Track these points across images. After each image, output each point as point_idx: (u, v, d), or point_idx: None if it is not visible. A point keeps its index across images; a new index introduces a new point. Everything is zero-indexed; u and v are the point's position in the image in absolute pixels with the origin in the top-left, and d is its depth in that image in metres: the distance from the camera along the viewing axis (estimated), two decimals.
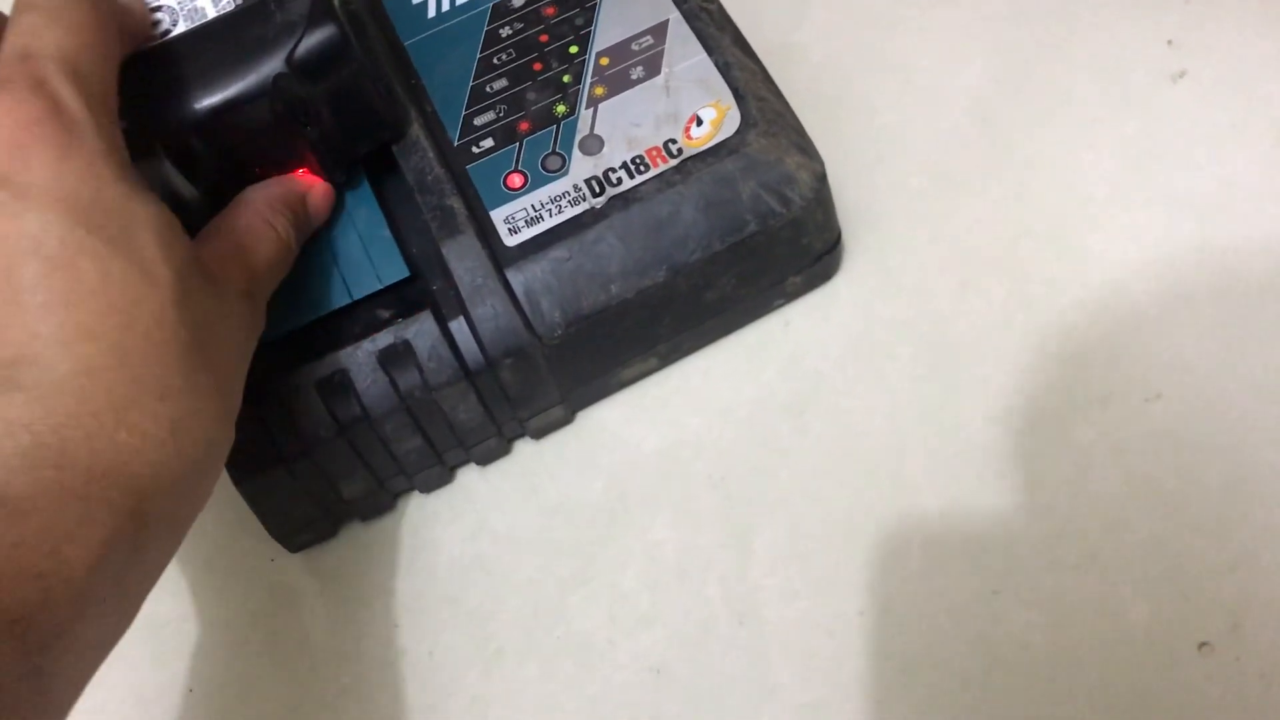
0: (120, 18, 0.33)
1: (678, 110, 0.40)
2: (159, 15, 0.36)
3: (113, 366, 0.28)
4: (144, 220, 0.29)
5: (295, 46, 0.35)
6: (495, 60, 0.42)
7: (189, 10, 0.36)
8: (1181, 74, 0.46)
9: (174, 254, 0.29)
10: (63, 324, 0.27)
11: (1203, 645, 0.36)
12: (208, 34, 0.36)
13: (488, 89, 0.41)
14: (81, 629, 0.27)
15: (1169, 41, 0.46)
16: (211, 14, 0.36)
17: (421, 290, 0.39)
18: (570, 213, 0.39)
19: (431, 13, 0.43)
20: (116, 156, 0.29)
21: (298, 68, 0.35)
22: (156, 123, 0.35)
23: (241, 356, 0.33)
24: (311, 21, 0.35)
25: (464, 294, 0.38)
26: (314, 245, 0.39)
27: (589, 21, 0.42)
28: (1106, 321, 0.41)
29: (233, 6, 0.36)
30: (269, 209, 0.36)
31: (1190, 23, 0.47)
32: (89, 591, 0.27)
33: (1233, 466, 0.38)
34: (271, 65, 0.35)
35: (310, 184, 0.38)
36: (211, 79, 0.35)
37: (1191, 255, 0.42)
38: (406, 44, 0.43)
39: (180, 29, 0.36)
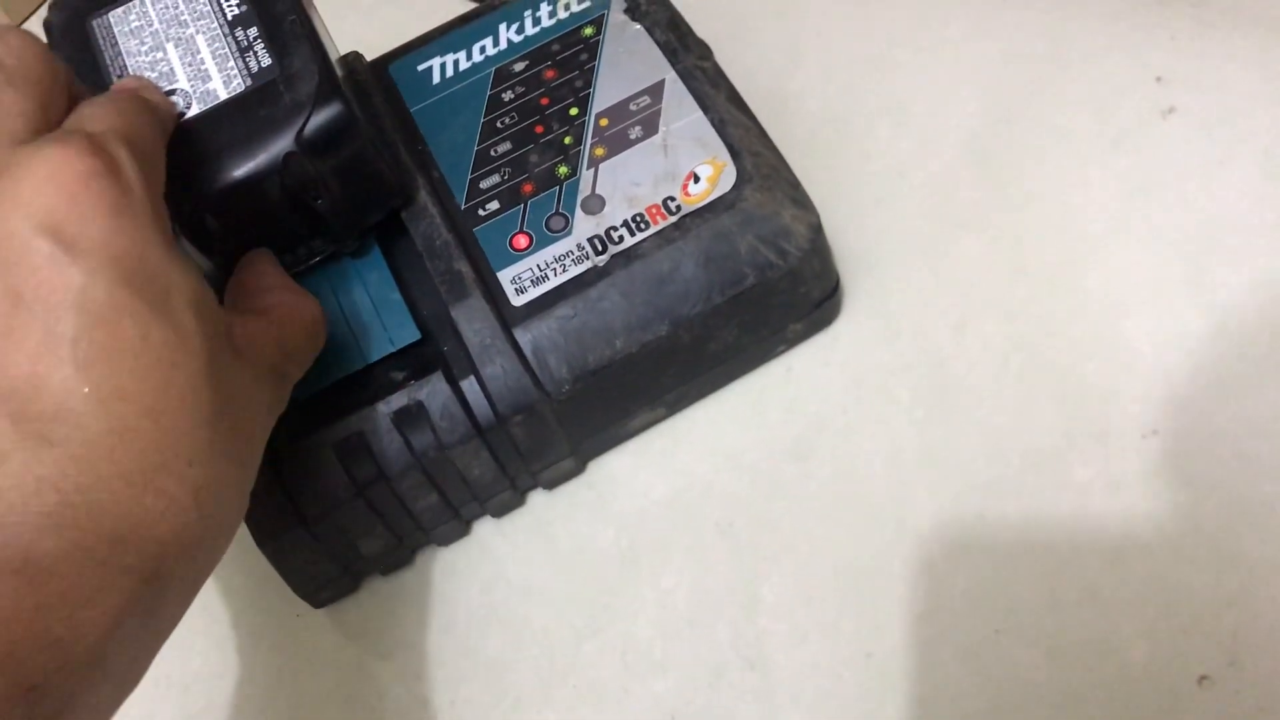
0: (159, 114, 0.35)
1: (675, 168, 0.42)
2: (174, 99, 0.38)
3: (145, 429, 0.28)
4: (184, 289, 0.29)
5: (304, 126, 0.36)
6: (499, 124, 0.43)
7: (202, 93, 0.38)
8: (1170, 110, 0.47)
9: (208, 325, 0.30)
10: (100, 382, 0.27)
11: (1202, 679, 0.37)
12: (220, 116, 0.37)
13: (492, 153, 0.43)
14: (92, 693, 0.27)
15: (1158, 78, 0.47)
16: (223, 96, 0.37)
17: (433, 351, 0.40)
18: (574, 271, 0.40)
19: (436, 79, 0.45)
20: (163, 224, 0.30)
21: (306, 145, 0.36)
22: (172, 201, 0.36)
23: (262, 431, 0.33)
24: (318, 101, 0.37)
25: (474, 354, 0.40)
26: (328, 311, 0.40)
27: (588, 83, 0.44)
28: (1102, 359, 0.42)
29: (243, 89, 0.38)
30: (305, 292, 0.37)
31: (1178, 59, 0.47)
32: (103, 656, 0.27)
33: (1229, 501, 0.39)
34: (281, 144, 0.36)
35: None
36: (224, 159, 0.36)
37: (1184, 290, 0.43)
38: (412, 110, 0.44)
39: (194, 111, 0.37)
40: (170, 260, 0.29)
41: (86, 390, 0.27)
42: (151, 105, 0.33)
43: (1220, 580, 0.38)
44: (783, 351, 0.44)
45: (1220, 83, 0.47)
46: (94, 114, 0.31)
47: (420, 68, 0.45)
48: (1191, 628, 0.37)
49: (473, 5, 0.48)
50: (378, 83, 0.45)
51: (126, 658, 0.28)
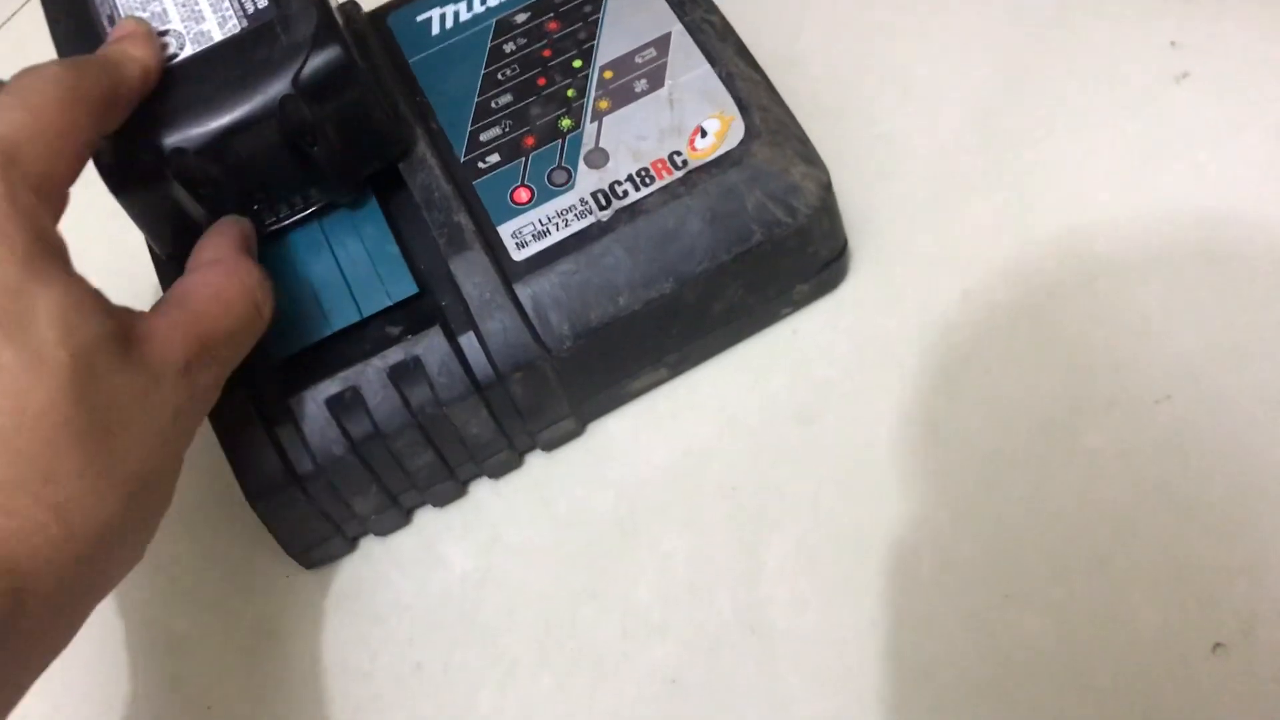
0: (107, 84, 0.33)
1: (682, 122, 0.41)
2: (165, 40, 0.37)
3: None
4: (47, 303, 0.28)
5: (301, 69, 0.35)
6: (500, 76, 0.42)
7: (195, 34, 0.37)
8: (1184, 75, 0.46)
9: (76, 335, 0.28)
10: None
11: (1216, 647, 0.36)
12: (214, 58, 0.36)
13: (493, 105, 0.42)
14: None
15: (1171, 43, 0.46)
16: (218, 38, 0.36)
17: (431, 306, 0.39)
18: (577, 226, 0.39)
19: (435, 30, 0.44)
20: (28, 237, 0.28)
21: (303, 90, 0.35)
22: (164, 144, 0.35)
23: (167, 434, 0.31)
24: (316, 44, 0.36)
25: (473, 309, 0.39)
26: (323, 263, 0.40)
27: (592, 35, 0.42)
28: (1112, 325, 0.41)
29: (239, 30, 0.36)
30: (234, 270, 0.35)
31: (1192, 24, 0.47)
32: None
33: (1241, 468, 0.38)
34: (277, 88, 0.35)
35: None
36: (217, 102, 0.35)
37: (1196, 258, 0.42)
38: (411, 61, 0.43)
39: (187, 53, 0.36)
40: (33, 276, 0.28)
41: None
42: (75, 88, 0.31)
43: (1233, 549, 0.37)
44: (789, 313, 0.43)
45: (1235, 48, 0.46)
46: None
47: (419, 18, 0.44)
48: (1204, 596, 0.37)
49: None
50: (375, 33, 0.44)
51: None
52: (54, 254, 0.29)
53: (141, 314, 0.32)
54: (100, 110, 0.32)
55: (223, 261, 0.35)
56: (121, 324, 0.30)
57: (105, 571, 0.31)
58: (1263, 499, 0.38)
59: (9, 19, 0.62)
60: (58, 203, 0.31)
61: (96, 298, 0.30)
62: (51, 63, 0.32)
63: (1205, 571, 0.37)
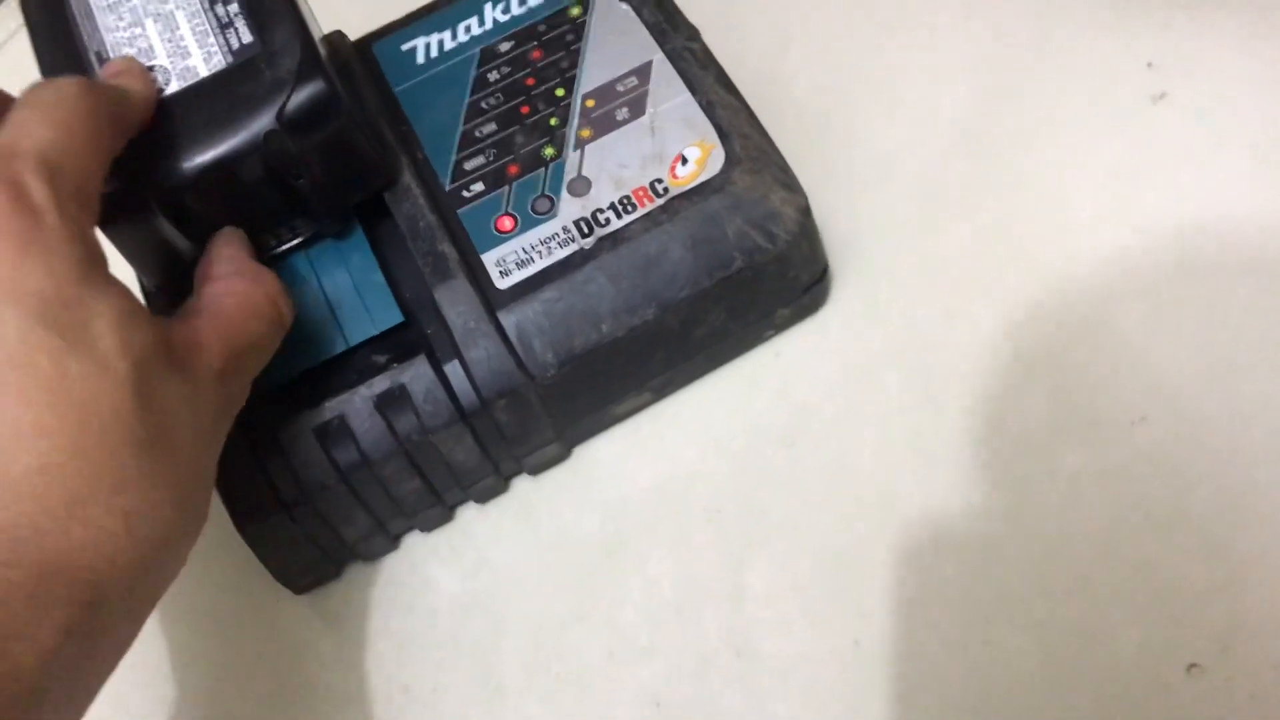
0: (117, 107, 0.33)
1: (663, 150, 0.41)
2: (152, 75, 0.37)
3: (68, 463, 0.28)
4: (103, 313, 0.29)
5: (285, 103, 0.36)
6: (484, 105, 0.43)
7: (181, 69, 0.37)
8: (1162, 95, 0.46)
9: (133, 345, 0.29)
10: (19, 422, 0.27)
11: (1192, 667, 0.36)
12: (199, 93, 0.37)
13: (477, 134, 0.42)
14: None
15: (1149, 63, 0.47)
16: (204, 73, 0.37)
17: (416, 334, 0.40)
18: (560, 254, 0.40)
19: (420, 58, 0.44)
20: (80, 249, 0.29)
21: (288, 124, 0.36)
22: (150, 179, 0.35)
23: (210, 440, 0.33)
24: (300, 78, 0.36)
25: (457, 337, 0.39)
26: (310, 293, 0.40)
27: (574, 64, 0.43)
28: (1091, 345, 0.42)
29: (224, 65, 0.37)
30: (261, 281, 0.36)
31: (1169, 45, 0.47)
32: (41, 688, 0.27)
33: (1219, 488, 0.39)
34: (262, 122, 0.36)
35: None
36: (203, 136, 0.36)
37: (1175, 279, 0.42)
38: (397, 90, 0.44)
39: (173, 88, 0.37)
40: (88, 286, 0.29)
41: (6, 431, 0.27)
42: (94, 106, 0.32)
43: (1211, 568, 0.38)
44: (771, 336, 0.44)
45: (1212, 69, 0.46)
46: (24, 122, 0.30)
47: (404, 47, 0.45)
48: (1182, 616, 0.37)
49: None
50: (361, 62, 0.44)
51: (67, 687, 0.28)
52: (101, 264, 0.30)
53: (177, 323, 0.33)
54: (117, 129, 0.33)
55: (243, 272, 0.36)
56: (165, 333, 0.31)
57: (164, 575, 0.31)
58: (1240, 517, 0.38)
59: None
60: (94, 214, 0.32)
61: (143, 306, 0.31)
62: (69, 80, 0.32)
63: (1183, 591, 0.37)
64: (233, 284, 0.35)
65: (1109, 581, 0.38)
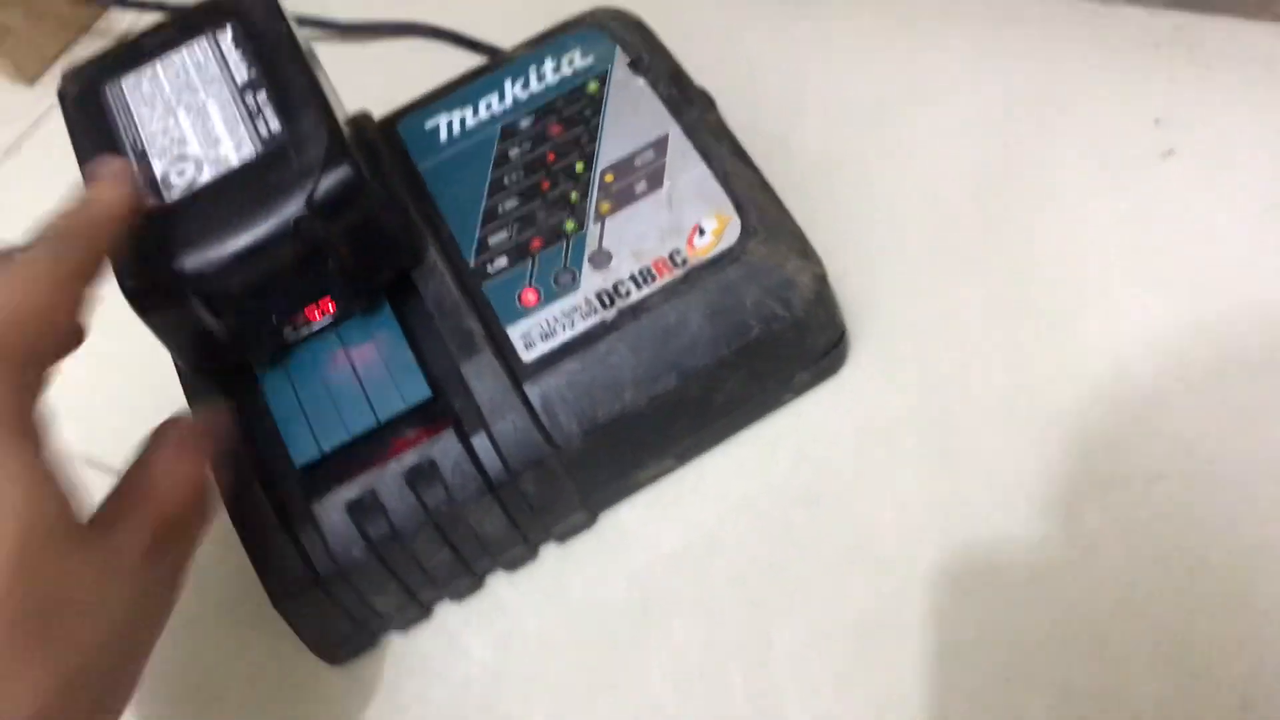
0: (82, 258, 0.33)
1: (681, 222, 0.42)
2: (184, 166, 0.38)
3: None
4: (5, 475, 0.28)
5: (313, 190, 0.37)
6: (506, 180, 0.44)
7: (213, 158, 0.38)
8: (1169, 152, 0.47)
9: (25, 519, 0.28)
10: None
11: None
12: (230, 182, 0.38)
13: (500, 209, 0.43)
14: None
15: (1156, 120, 0.48)
16: (235, 161, 0.38)
17: (444, 408, 0.41)
18: (583, 326, 0.41)
19: (444, 136, 0.46)
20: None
21: (317, 209, 0.37)
22: (185, 269, 0.37)
23: (127, 626, 0.31)
24: (327, 164, 0.37)
25: (484, 410, 0.40)
26: (340, 371, 0.41)
27: (593, 139, 0.44)
28: (1107, 404, 0.42)
29: (254, 154, 0.38)
30: (186, 450, 0.35)
31: (1176, 102, 0.48)
32: None
33: (1237, 544, 0.39)
34: (291, 209, 0.37)
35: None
36: (235, 225, 0.37)
37: (1187, 333, 0.43)
38: (421, 168, 0.45)
39: (205, 177, 0.38)
40: None
41: None
42: (62, 271, 0.32)
43: (1230, 624, 0.38)
44: (790, 400, 0.45)
45: (1218, 124, 0.47)
46: None
47: (428, 125, 0.46)
48: (1203, 673, 0.37)
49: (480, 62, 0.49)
50: (386, 141, 0.46)
51: None
52: (25, 434, 0.30)
53: (105, 503, 0.32)
54: (86, 274, 0.33)
55: (178, 452, 0.35)
56: (77, 511, 0.30)
57: None
58: (1258, 574, 0.39)
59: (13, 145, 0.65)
60: (43, 380, 0.32)
61: (56, 483, 0.30)
62: (35, 242, 0.33)
63: (1203, 647, 0.38)
64: (165, 463, 0.35)
65: (1128, 638, 0.38)
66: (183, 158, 0.39)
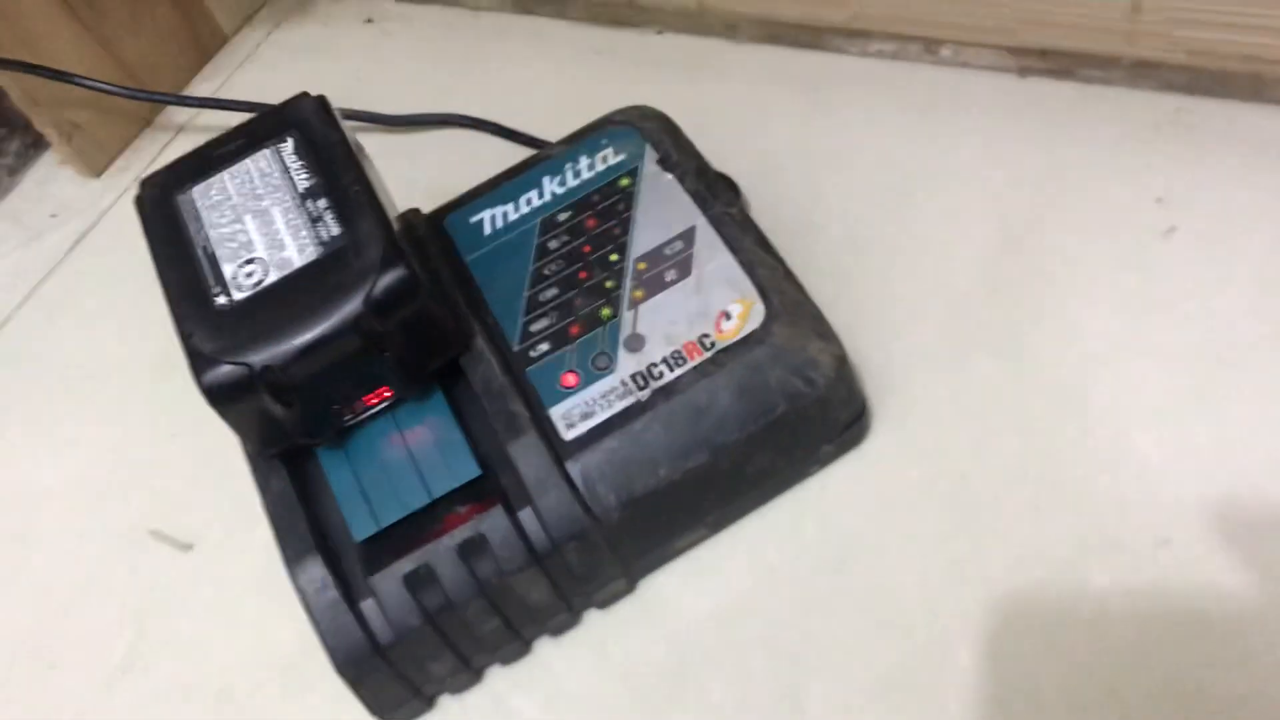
0: None
1: (708, 307, 0.45)
2: (251, 268, 0.42)
3: None
4: None
5: (371, 289, 0.40)
6: (546, 271, 0.47)
7: (278, 261, 0.42)
8: (1171, 230, 0.50)
9: None
10: None
11: None
12: (294, 282, 0.41)
13: (541, 298, 0.47)
14: None
15: (1158, 199, 0.51)
16: (298, 263, 0.42)
17: (492, 485, 0.44)
18: (619, 406, 0.44)
19: (488, 230, 0.49)
20: None
21: (374, 307, 0.40)
22: (254, 364, 0.40)
23: None
24: (384, 266, 0.41)
25: (529, 487, 0.43)
26: (395, 451, 0.44)
27: (625, 231, 0.47)
28: (1113, 471, 0.45)
29: (316, 256, 0.42)
30: None
31: (1177, 181, 0.51)
32: None
33: (1241, 603, 0.41)
34: (351, 307, 0.40)
35: None
36: (299, 323, 0.40)
37: (1189, 402, 0.46)
38: (467, 260, 0.48)
39: (271, 278, 0.42)
40: None
41: None
42: None
43: (1237, 679, 0.40)
44: (816, 471, 0.48)
45: (1217, 202, 0.50)
46: None
47: (473, 219, 0.50)
48: None
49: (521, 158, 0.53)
50: (435, 235, 0.49)
51: None
52: None
53: None
54: None
55: None
56: None
57: None
58: (1262, 631, 0.41)
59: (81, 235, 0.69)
60: None
61: None
62: None
63: (1208, 703, 0.40)
64: None
65: (1136, 695, 0.41)
66: (250, 260, 0.42)
